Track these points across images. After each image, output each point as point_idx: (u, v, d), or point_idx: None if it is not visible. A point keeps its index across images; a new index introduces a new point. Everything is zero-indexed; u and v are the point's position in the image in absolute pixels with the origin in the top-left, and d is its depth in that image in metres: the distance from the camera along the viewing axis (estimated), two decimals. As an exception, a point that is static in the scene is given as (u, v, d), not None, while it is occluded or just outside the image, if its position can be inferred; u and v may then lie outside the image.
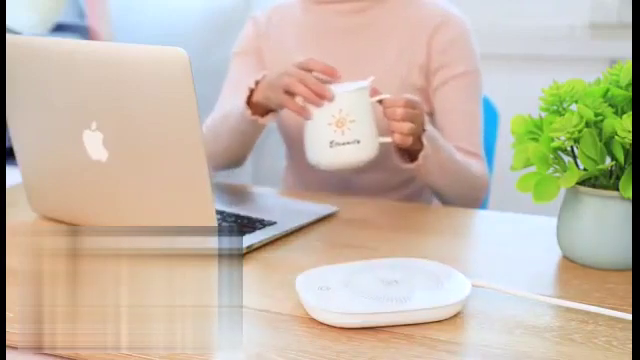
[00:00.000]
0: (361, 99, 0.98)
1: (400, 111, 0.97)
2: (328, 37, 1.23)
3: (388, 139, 0.99)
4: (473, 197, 1.18)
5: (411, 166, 1.06)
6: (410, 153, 1.07)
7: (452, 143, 1.15)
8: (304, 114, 0.99)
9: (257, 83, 1.06)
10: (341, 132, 0.96)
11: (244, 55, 1.27)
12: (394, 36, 1.20)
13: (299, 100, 0.99)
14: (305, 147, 1.01)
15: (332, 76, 0.99)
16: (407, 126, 0.97)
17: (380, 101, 0.99)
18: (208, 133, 1.18)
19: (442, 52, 1.19)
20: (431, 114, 1.21)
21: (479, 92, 1.22)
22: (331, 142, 0.96)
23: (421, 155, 1.04)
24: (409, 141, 0.99)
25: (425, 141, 1.03)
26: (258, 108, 1.08)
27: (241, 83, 1.26)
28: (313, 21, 1.24)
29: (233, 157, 1.19)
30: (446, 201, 1.19)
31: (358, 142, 0.97)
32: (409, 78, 1.19)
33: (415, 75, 1.19)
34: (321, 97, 0.96)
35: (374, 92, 1.00)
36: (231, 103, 1.14)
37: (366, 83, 0.99)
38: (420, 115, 1.00)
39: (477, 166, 1.18)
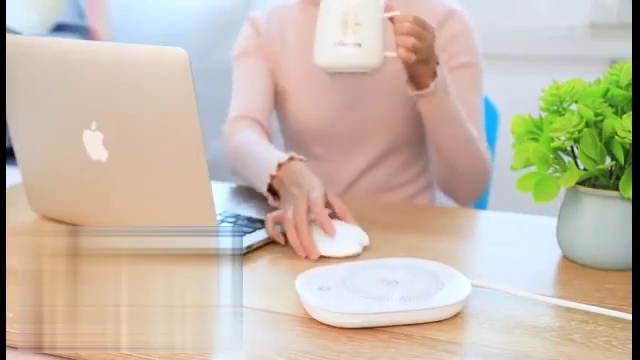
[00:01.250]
0: (373, 9, 1.00)
1: (407, 25, 0.98)
2: None
3: (393, 54, 1.01)
4: (476, 173, 1.17)
5: (421, 92, 1.06)
6: (419, 85, 1.07)
7: None
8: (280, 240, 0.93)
9: (280, 165, 1.00)
10: (345, 33, 0.99)
11: (247, 56, 1.26)
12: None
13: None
14: (313, 48, 1.04)
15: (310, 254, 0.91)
16: (411, 41, 0.98)
17: (392, 19, 1.01)
18: (232, 162, 1.17)
19: (446, 43, 1.18)
20: None
21: (481, 86, 1.22)
22: (335, 41, 1.00)
23: (433, 83, 1.04)
24: (412, 58, 0.99)
25: (438, 71, 1.04)
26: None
27: (251, 80, 1.25)
28: (312, 22, 1.24)
29: None
30: (449, 175, 1.17)
31: (360, 45, 0.99)
32: None
33: None
34: (305, 251, 0.89)
35: (388, 9, 1.01)
36: (252, 160, 1.08)
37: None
38: (428, 36, 1.00)
39: (483, 148, 1.17)
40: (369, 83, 1.20)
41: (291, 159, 1.00)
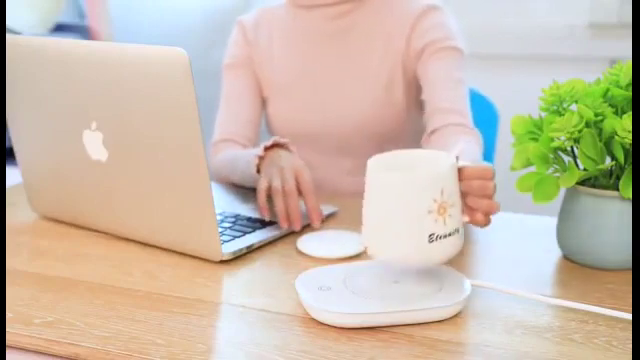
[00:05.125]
0: (456, 174, 0.74)
1: (491, 185, 0.76)
2: (315, 42, 1.23)
3: (466, 218, 0.77)
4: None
5: None
6: None
7: (444, 116, 1.12)
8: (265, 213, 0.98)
9: (266, 148, 1.03)
10: (443, 221, 0.71)
11: (237, 68, 1.27)
12: (378, 35, 1.20)
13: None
14: (382, 241, 0.73)
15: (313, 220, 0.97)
16: (497, 206, 0.77)
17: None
18: (218, 170, 1.19)
19: (427, 31, 1.17)
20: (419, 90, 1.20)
21: (464, 72, 1.18)
22: (431, 235, 0.71)
23: None
24: (489, 223, 0.78)
25: None
26: None
27: (237, 99, 1.26)
28: (300, 27, 1.24)
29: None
30: None
31: (458, 231, 0.73)
32: (395, 76, 1.19)
33: (400, 71, 1.19)
34: (289, 221, 0.95)
35: None
36: (239, 156, 1.11)
37: (455, 153, 0.77)
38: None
39: (476, 149, 1.11)
40: (350, 87, 1.20)
41: (276, 144, 1.04)
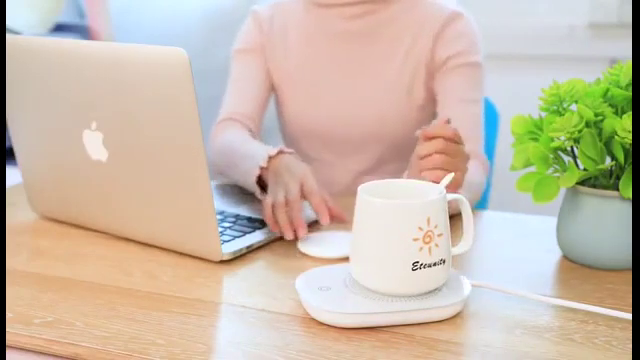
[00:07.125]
0: (446, 207, 0.73)
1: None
2: (332, 41, 1.22)
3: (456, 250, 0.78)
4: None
5: None
6: None
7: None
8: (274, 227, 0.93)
9: (271, 158, 1.00)
10: (428, 250, 0.70)
11: (248, 53, 1.26)
12: (400, 39, 1.19)
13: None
14: (365, 266, 0.73)
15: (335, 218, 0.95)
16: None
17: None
18: (216, 162, 1.16)
19: (451, 42, 1.17)
20: (433, 103, 1.20)
21: (483, 88, 1.19)
22: (415, 263, 0.70)
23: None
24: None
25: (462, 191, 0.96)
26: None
27: (245, 80, 1.25)
28: (317, 24, 1.23)
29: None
30: None
31: (444, 262, 0.72)
32: (417, 79, 1.18)
33: (423, 75, 1.18)
34: (292, 232, 0.91)
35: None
36: (239, 156, 1.08)
37: (445, 182, 0.76)
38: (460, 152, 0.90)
39: (480, 174, 1.11)
40: (369, 88, 1.20)
41: (281, 152, 1.00)
